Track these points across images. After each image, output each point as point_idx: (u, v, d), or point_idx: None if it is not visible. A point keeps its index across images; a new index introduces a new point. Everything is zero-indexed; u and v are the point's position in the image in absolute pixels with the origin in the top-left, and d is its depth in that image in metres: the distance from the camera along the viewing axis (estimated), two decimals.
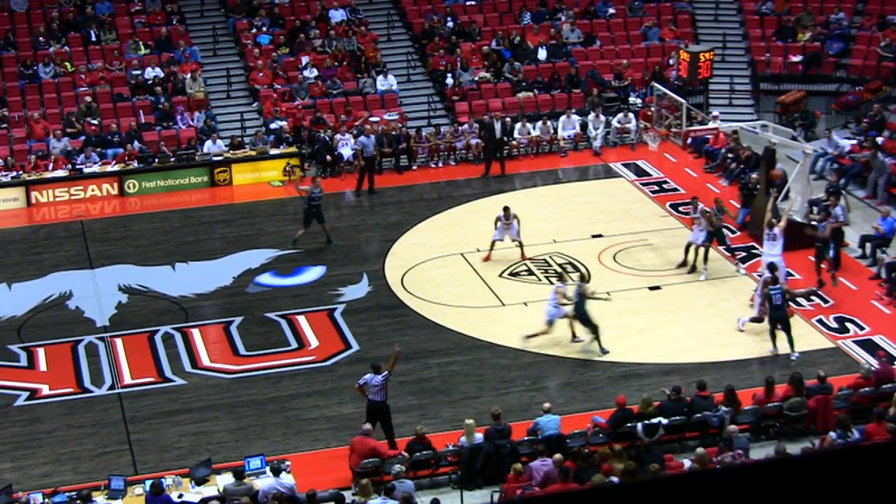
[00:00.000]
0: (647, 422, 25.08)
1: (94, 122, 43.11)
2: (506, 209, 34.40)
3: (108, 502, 23.37)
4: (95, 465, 25.96)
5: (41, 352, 30.83)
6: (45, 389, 29.28)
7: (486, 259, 34.63)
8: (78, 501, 23.18)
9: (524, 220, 34.49)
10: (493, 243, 34.49)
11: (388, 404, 25.66)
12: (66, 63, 45.43)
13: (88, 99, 43.93)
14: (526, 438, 24.96)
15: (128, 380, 29.49)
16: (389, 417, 25.69)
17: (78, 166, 41.03)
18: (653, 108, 43.69)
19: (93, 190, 40.44)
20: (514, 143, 42.54)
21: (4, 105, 43.67)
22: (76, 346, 31.08)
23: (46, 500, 23.57)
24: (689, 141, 42.77)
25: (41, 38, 46.25)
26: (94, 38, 46.74)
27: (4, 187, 40.25)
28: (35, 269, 35.06)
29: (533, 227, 35.61)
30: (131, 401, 28.58)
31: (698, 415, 25.69)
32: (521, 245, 34.47)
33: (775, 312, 29.14)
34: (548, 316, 29.70)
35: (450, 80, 45.93)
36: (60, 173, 40.80)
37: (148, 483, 23.60)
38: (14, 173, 40.69)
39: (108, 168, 41.03)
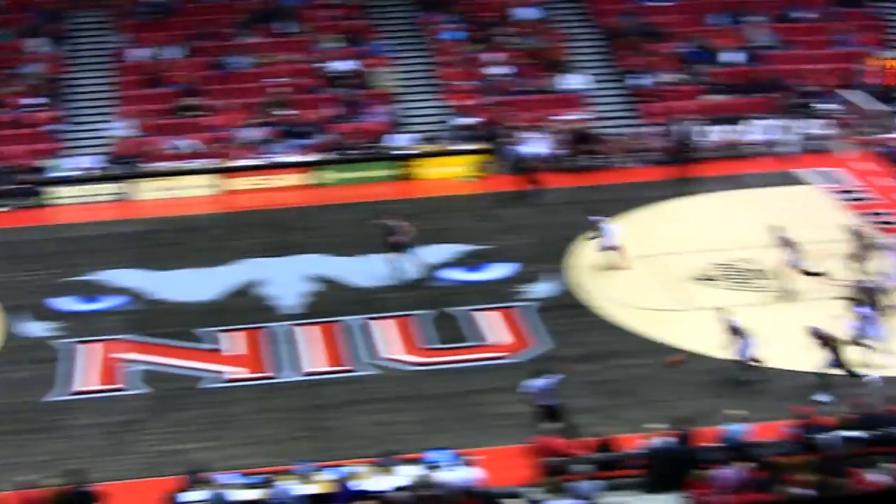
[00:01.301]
0: (835, 434, 24.64)
1: (286, 112, 43.85)
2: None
3: (295, 487, 23.71)
4: (284, 449, 26.41)
5: (233, 336, 31.50)
6: (237, 373, 29.93)
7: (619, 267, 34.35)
8: (266, 485, 23.58)
9: (709, 224, 34.11)
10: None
11: (560, 405, 25.78)
12: (260, 54, 46.26)
13: (280, 90, 44.71)
14: (712, 445, 24.70)
15: (316, 367, 29.97)
16: (563, 418, 25.80)
17: (269, 155, 41.84)
18: (844, 115, 42.91)
19: (284, 179, 41.13)
20: (702, 146, 42.13)
21: (200, 94, 44.65)
22: (266, 332, 31.68)
23: (236, 481, 24.02)
24: (883, 149, 41.90)
25: (237, 29, 47.18)
26: (286, 31, 47.51)
27: (198, 174, 41.28)
28: (227, 255, 35.79)
29: (718, 233, 35.31)
30: (319, 388, 29.06)
31: (888, 430, 25.16)
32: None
33: None
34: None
35: (638, 81, 45.70)
36: (253, 162, 41.67)
37: (335, 471, 23.95)
38: (208, 161, 41.66)
39: (299, 158, 41.75)
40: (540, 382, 26.22)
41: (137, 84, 45.32)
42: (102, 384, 29.75)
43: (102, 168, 41.65)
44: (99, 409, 28.66)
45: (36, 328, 32.19)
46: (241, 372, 29.98)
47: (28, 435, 27.71)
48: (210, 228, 38.61)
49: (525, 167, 40.97)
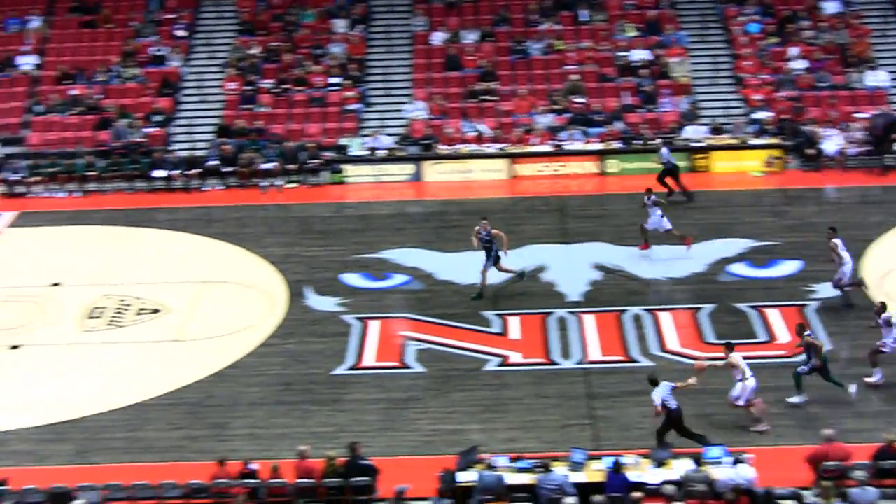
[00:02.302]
0: None
1: (579, 100, 43.82)
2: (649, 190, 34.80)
3: (567, 474, 23.65)
4: (558, 435, 26.40)
5: (514, 320, 31.64)
6: (515, 357, 30.05)
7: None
8: (540, 469, 23.59)
9: None
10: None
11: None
12: (557, 41, 46.33)
13: (575, 77, 44.70)
14: None
15: (595, 356, 29.86)
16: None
17: (560, 142, 41.89)
18: None
19: (573, 167, 41.13)
20: None
21: (495, 78, 45.00)
22: (547, 318, 31.71)
23: (510, 465, 24.11)
24: None
25: (534, 16, 47.36)
26: (584, 18, 47.44)
27: (489, 158, 41.63)
28: (514, 240, 35.88)
29: None
30: (597, 377, 28.93)
31: None
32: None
33: None
34: None
35: None
36: (543, 148, 41.83)
37: (608, 460, 23.79)
38: (499, 145, 41.99)
39: (590, 146, 41.68)
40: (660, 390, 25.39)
41: (434, 67, 45.95)
42: (384, 361, 30.28)
43: (396, 148, 42.37)
44: (379, 386, 29.19)
45: (324, 303, 32.95)
46: (521, 356, 30.07)
47: (311, 406, 28.40)
48: (498, 213, 38.70)
49: (821, 164, 39.84)
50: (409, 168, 41.84)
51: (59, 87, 45.83)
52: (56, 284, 34.83)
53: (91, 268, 35.85)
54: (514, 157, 41.73)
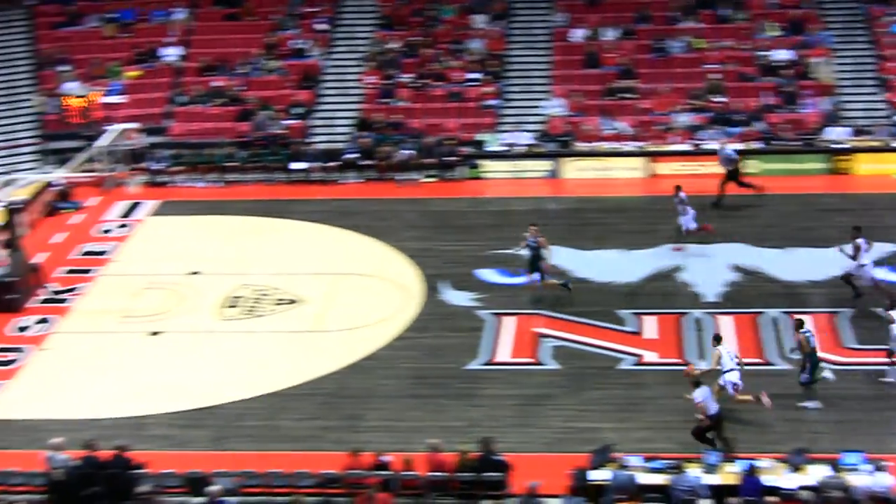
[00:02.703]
0: None
1: (719, 99, 43.39)
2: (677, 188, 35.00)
3: (701, 476, 23.43)
4: (690, 437, 26.14)
5: (650, 320, 31.45)
6: (650, 356, 29.88)
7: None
8: (673, 470, 23.40)
9: None
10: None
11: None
12: (697, 39, 45.92)
13: (715, 76, 44.26)
14: None
15: None
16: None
17: (699, 142, 41.51)
18: None
19: (712, 166, 40.65)
20: None
21: (634, 76, 44.74)
22: (682, 318, 31.47)
23: (643, 465, 23.97)
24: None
25: (675, 13, 47.00)
26: (725, 17, 46.96)
27: (627, 156, 41.43)
28: (650, 239, 35.72)
29: None
30: None
31: None
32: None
33: None
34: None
35: None
36: (682, 147, 41.47)
37: (743, 463, 23.54)
38: (638, 144, 41.75)
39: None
40: (701, 392, 25.41)
41: (573, 64, 45.82)
42: (518, 357, 30.28)
43: (533, 145, 42.30)
44: (513, 381, 29.21)
45: (459, 297, 33.03)
46: (655, 356, 29.90)
47: (444, 400, 28.54)
48: (635, 211, 38.68)
49: None
50: (546, 165, 41.76)
51: (202, 78, 46.52)
52: (195, 273, 35.35)
53: (229, 257, 36.33)
54: (653, 156, 41.46)
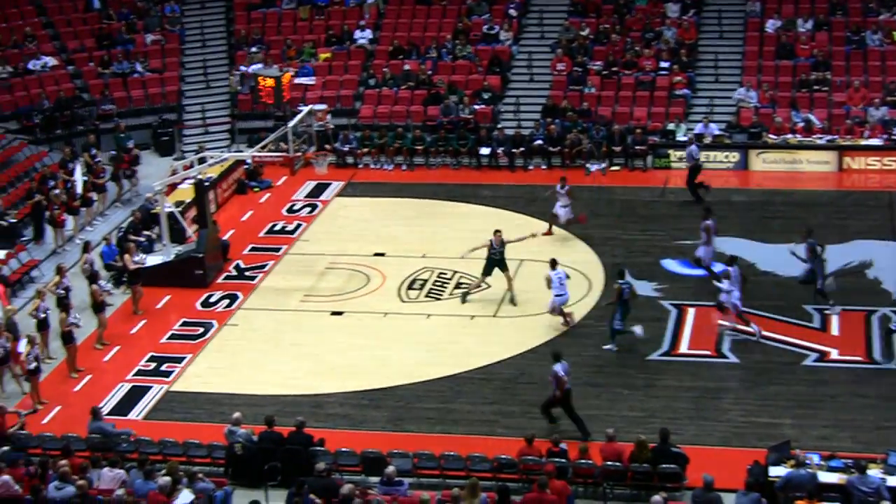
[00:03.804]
0: None
1: None
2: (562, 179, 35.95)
3: (885, 478, 22.88)
4: (875, 437, 25.71)
5: (835, 316, 30.82)
6: (834, 354, 29.35)
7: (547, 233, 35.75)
8: (854, 470, 22.92)
9: None
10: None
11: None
12: (895, 32, 44.83)
13: None
14: None
15: None
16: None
17: (894, 137, 40.57)
18: None
19: None
20: None
21: (828, 68, 43.85)
22: (869, 316, 30.83)
23: (822, 463, 23.54)
24: None
25: (871, 5, 45.94)
26: None
27: (819, 150, 40.65)
28: (838, 234, 34.99)
29: None
30: None
31: None
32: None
33: None
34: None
35: None
36: (875, 142, 40.56)
37: None
38: (829, 137, 40.95)
39: None
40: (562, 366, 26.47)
41: (765, 55, 45.10)
42: (699, 349, 29.99)
43: (722, 136, 41.75)
44: (693, 373, 28.99)
45: (641, 287, 32.78)
46: (841, 353, 29.33)
47: (625, 390, 28.43)
48: (824, 205, 37.95)
49: None
50: (734, 156, 41.19)
51: (392, 61, 46.92)
52: (379, 254, 35.72)
53: (413, 240, 36.62)
54: (845, 150, 40.58)
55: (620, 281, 29.95)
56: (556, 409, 26.62)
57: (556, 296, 30.71)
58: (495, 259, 32.69)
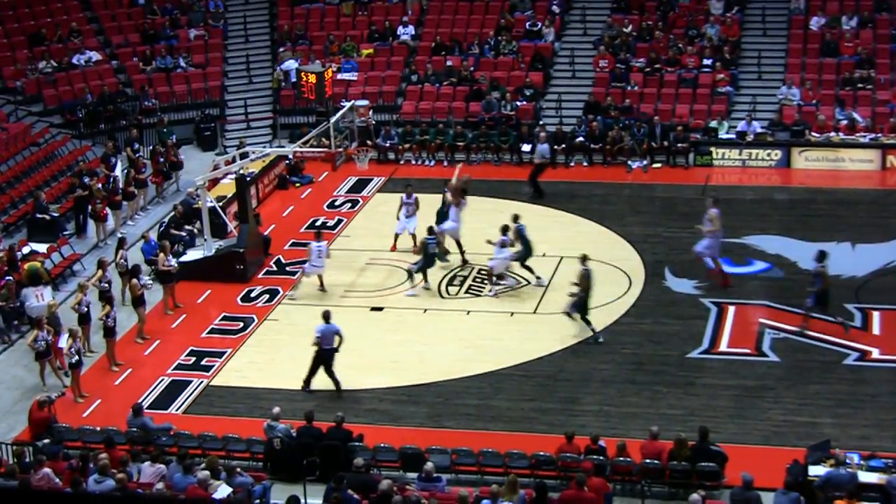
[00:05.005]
0: None
1: None
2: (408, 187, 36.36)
3: None
4: None
5: (876, 315, 30.68)
6: (875, 353, 29.18)
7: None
8: (894, 471, 22.80)
9: None
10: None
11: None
12: None
13: None
14: None
15: None
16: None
17: None
18: None
19: None
20: None
21: (872, 66, 43.58)
22: None
23: (862, 462, 23.42)
24: None
25: None
26: None
27: (861, 148, 40.41)
28: (882, 233, 34.83)
29: None
30: None
31: None
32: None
33: None
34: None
35: None
36: None
37: None
38: (873, 135, 40.72)
39: None
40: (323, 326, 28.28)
41: (809, 52, 44.86)
42: (739, 347, 29.89)
43: (764, 133, 41.55)
44: (733, 372, 28.89)
45: (682, 284, 32.72)
46: (882, 352, 29.17)
47: (664, 387, 28.38)
48: (867, 204, 37.77)
49: None
50: (776, 154, 41.00)
51: (435, 57, 46.93)
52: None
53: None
54: (888, 149, 40.31)
55: (428, 237, 33.31)
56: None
57: (313, 265, 33.24)
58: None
